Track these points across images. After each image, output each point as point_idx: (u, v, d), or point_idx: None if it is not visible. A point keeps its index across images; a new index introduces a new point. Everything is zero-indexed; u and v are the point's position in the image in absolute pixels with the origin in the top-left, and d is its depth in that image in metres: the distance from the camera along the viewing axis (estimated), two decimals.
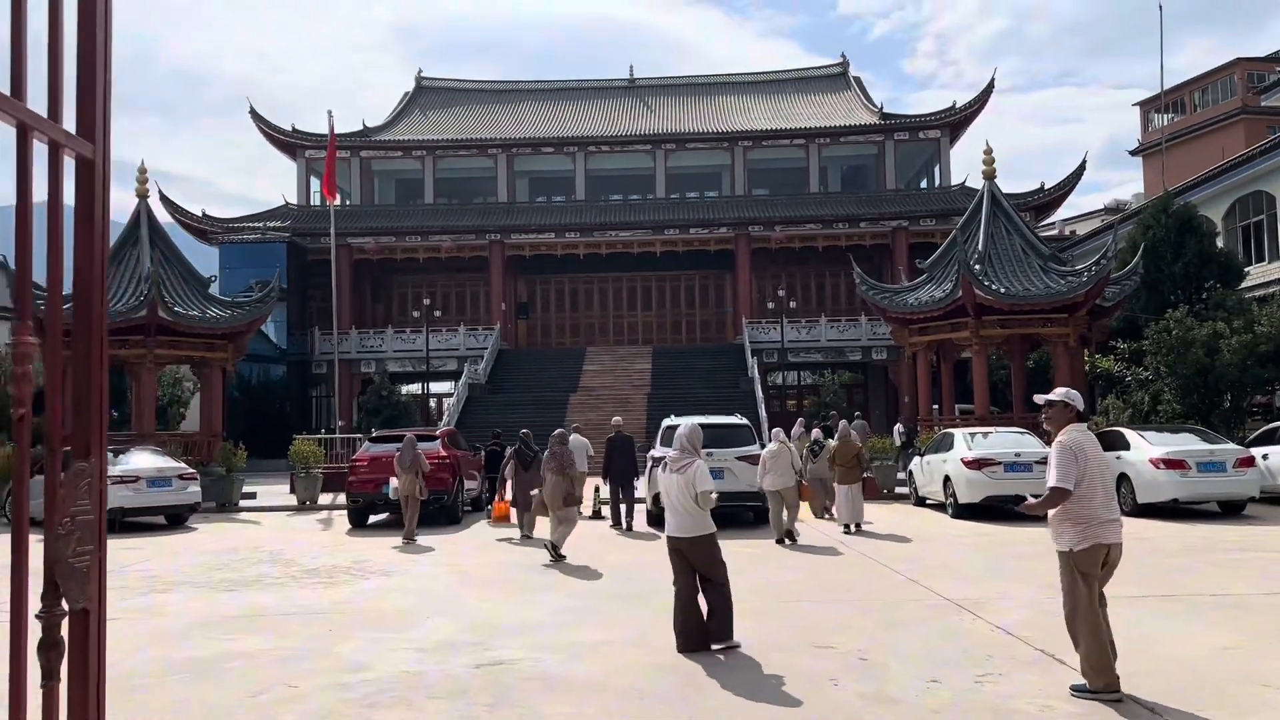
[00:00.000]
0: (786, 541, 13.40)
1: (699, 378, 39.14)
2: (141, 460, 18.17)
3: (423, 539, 15.01)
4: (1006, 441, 16.93)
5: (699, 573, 7.13)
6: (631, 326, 47.89)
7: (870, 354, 42.43)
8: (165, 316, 21.99)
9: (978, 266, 21.14)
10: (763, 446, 15.76)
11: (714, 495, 7.16)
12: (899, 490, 20.64)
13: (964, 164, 66.11)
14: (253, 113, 47.04)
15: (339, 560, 12.70)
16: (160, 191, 43.99)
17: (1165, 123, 53.31)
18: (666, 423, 16.45)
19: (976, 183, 47.18)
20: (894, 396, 43.36)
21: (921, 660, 6.63)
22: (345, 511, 18.11)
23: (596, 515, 17.71)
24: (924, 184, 49.12)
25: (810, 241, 44.25)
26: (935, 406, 24.95)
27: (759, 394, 34.76)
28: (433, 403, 45.26)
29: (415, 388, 45.46)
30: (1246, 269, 24.49)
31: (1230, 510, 15.83)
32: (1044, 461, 16.15)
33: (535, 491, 13.45)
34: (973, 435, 17.18)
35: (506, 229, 45.04)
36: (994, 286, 20.89)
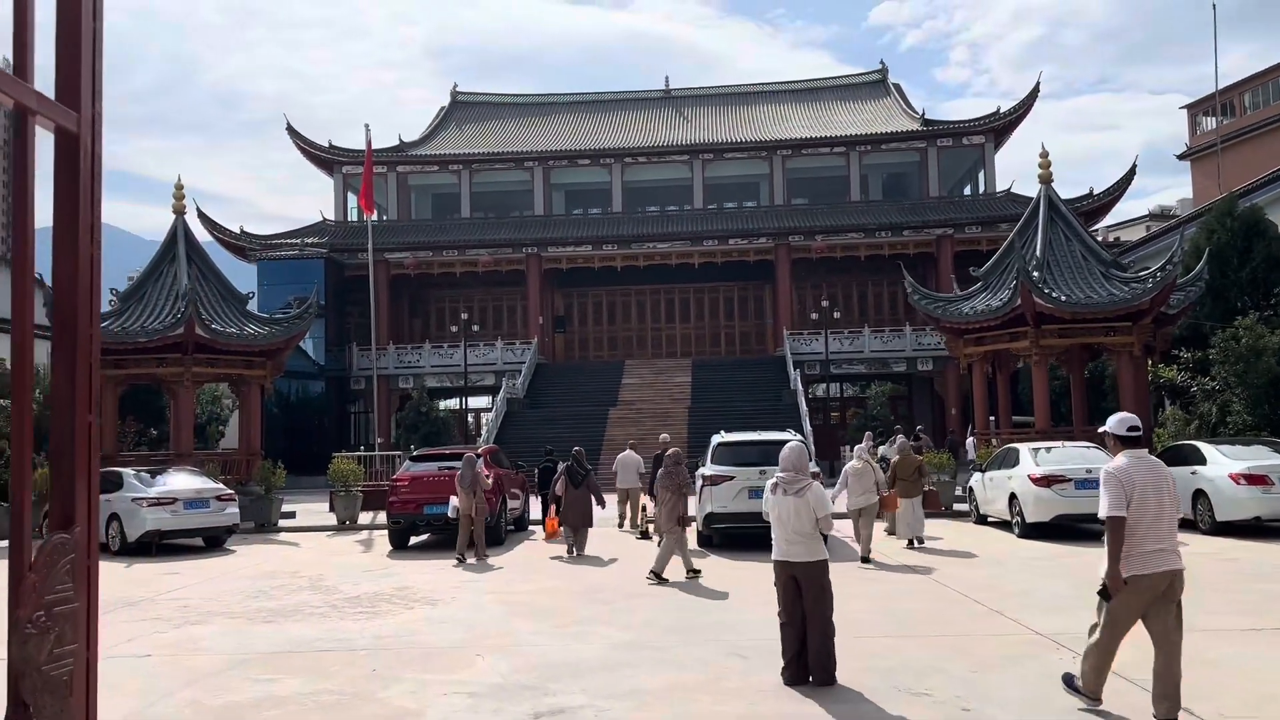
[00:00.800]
0: (860, 564, 12.84)
1: (740, 391, 38.41)
2: (179, 481, 17.83)
3: (470, 563, 14.47)
4: (1076, 456, 16.06)
5: (804, 603, 6.73)
6: (670, 339, 47.28)
7: (915, 365, 41.47)
8: (203, 334, 21.71)
9: (1036, 274, 20.30)
10: (817, 463, 15.16)
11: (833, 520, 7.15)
12: (957, 507, 19.79)
13: (1007, 171, 64.59)
14: (290, 129, 47.14)
15: (381, 587, 12.17)
16: (198, 208, 44.13)
17: (1215, 125, 52.01)
18: (717, 439, 15.83)
19: (1023, 189, 46.26)
20: (940, 408, 42.37)
21: (1030, 711, 5.93)
22: (386, 532, 17.62)
23: (645, 535, 17.10)
24: (967, 191, 48.10)
25: (852, 251, 43.42)
26: (991, 419, 24.03)
27: (803, 407, 33.97)
28: (471, 418, 44.92)
29: (454, 403, 45.16)
30: None
31: None
32: None
33: (649, 507, 14.05)
34: (1039, 450, 16.34)
35: (543, 242, 44.67)
36: (1054, 294, 20.03)
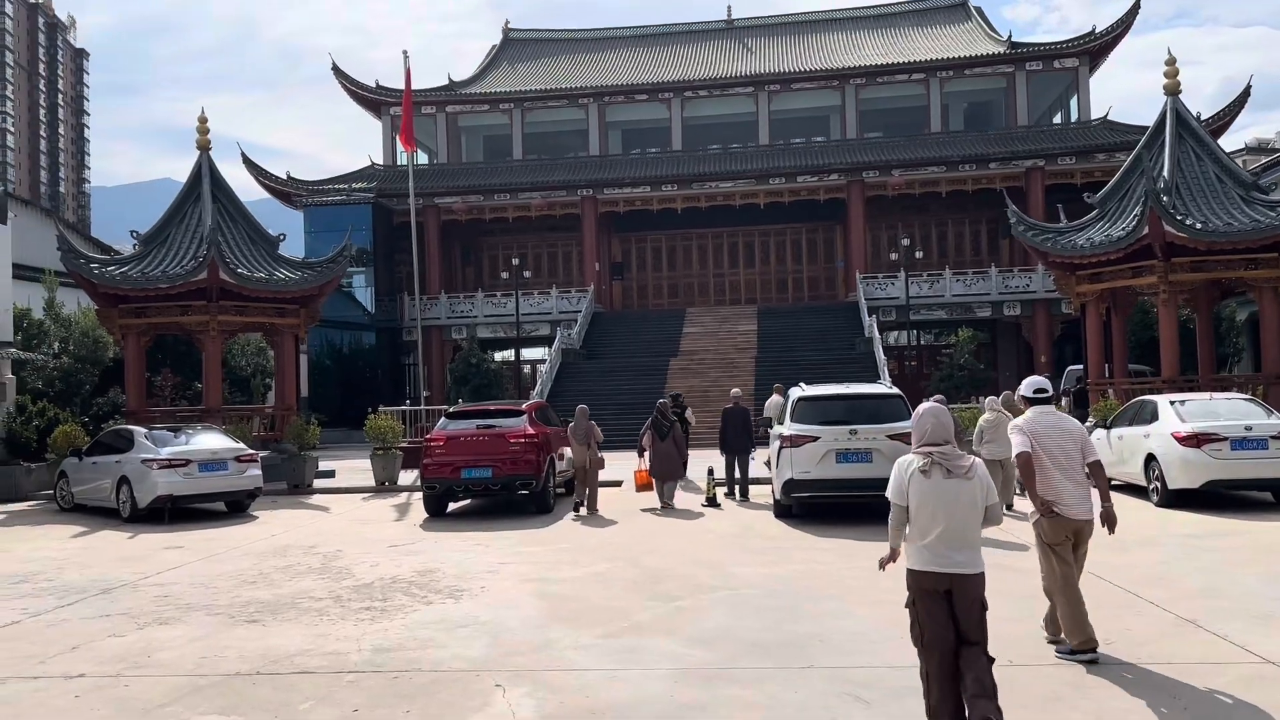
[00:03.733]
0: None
1: (810, 340, 35.87)
2: (199, 440, 16.16)
3: (507, 535, 12.50)
4: (1228, 410, 13.45)
5: (959, 630, 4.66)
6: (734, 285, 44.76)
7: (1001, 310, 38.40)
8: (228, 279, 19.94)
9: (1165, 199, 17.43)
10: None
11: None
12: None
13: (1102, 100, 59.44)
14: (335, 69, 45.21)
15: (402, 569, 10.22)
16: (242, 153, 42.60)
17: None
18: (798, 393, 13.51)
19: (1121, 116, 42.58)
20: (1027, 356, 39.30)
21: None
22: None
23: (712, 502, 14.97)
24: (1057, 120, 44.38)
25: (932, 186, 40.23)
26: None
27: (880, 356, 31.33)
28: (525, 369, 43.12)
29: (508, 354, 43.38)
30: None
31: None
32: None
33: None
34: (1182, 403, 13.74)
35: (599, 183, 42.27)
36: (1189, 221, 17.16)
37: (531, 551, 11.23)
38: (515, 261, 38.55)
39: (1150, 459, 13.44)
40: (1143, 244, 17.50)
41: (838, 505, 12.75)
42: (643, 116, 46.05)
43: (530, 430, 14.45)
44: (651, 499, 15.12)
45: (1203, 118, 37.51)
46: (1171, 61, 19.31)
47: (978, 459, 4.87)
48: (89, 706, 5.91)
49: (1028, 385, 6.64)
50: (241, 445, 16.34)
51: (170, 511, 15.15)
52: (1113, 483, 15.34)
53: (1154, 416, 13.81)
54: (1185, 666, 5.94)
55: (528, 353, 43.68)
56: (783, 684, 5.85)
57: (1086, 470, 6.33)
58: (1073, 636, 6.21)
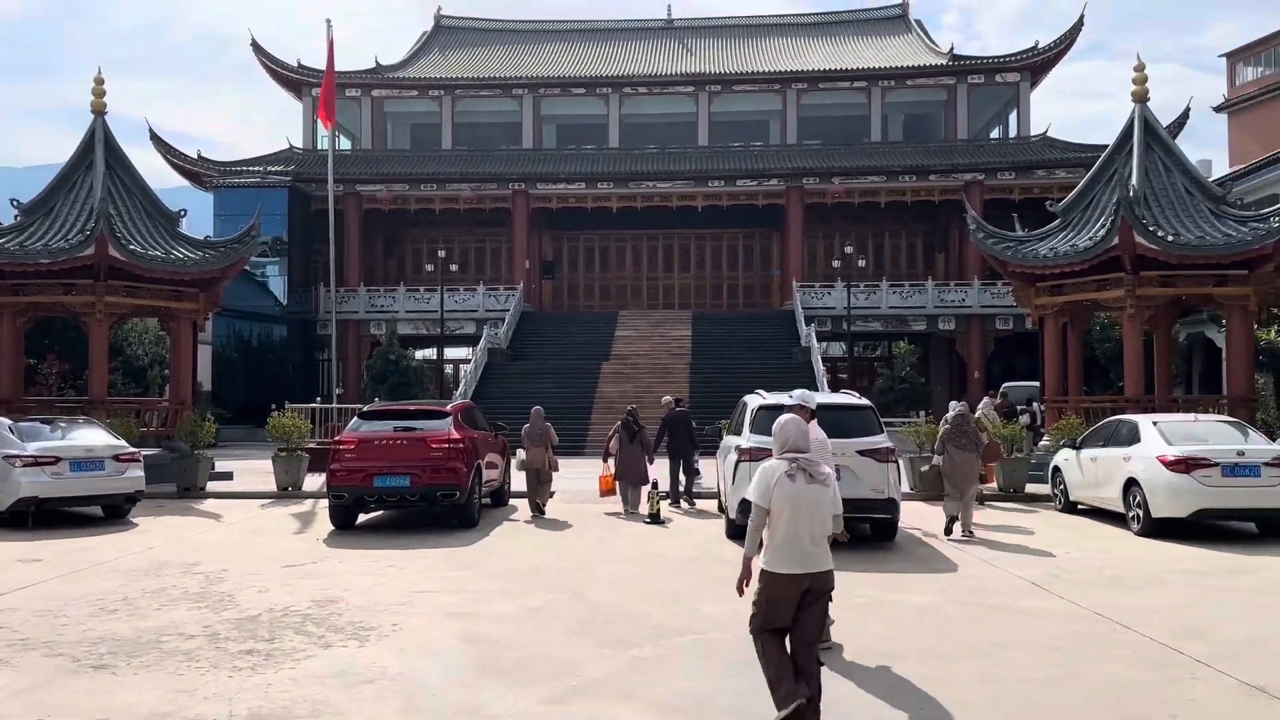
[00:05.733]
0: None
1: (746, 347, 34.77)
2: (77, 436, 14.14)
3: (426, 554, 10.88)
4: (1212, 433, 12.57)
5: (801, 627, 5.00)
6: (668, 290, 43.50)
7: (936, 324, 37.87)
8: (118, 255, 17.82)
9: (1135, 209, 16.63)
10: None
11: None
12: (1030, 489, 16.30)
13: (1042, 116, 59.37)
14: (255, 46, 42.70)
15: (296, 598, 8.55)
16: (150, 129, 39.84)
17: (1258, 75, 48.28)
18: (758, 402, 12.11)
19: (1062, 132, 42.56)
20: (960, 371, 38.91)
21: None
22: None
23: (655, 518, 13.56)
24: (996, 134, 44.27)
25: (871, 196, 39.57)
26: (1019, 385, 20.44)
27: (818, 366, 30.35)
28: (449, 369, 41.15)
29: (430, 353, 41.34)
30: None
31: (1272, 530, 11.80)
32: (1278, 464, 11.87)
33: None
34: (1165, 424, 12.80)
35: (531, 178, 40.60)
36: (1160, 233, 16.38)
37: (455, 577, 9.64)
38: (441, 255, 36.62)
39: (1131, 484, 12.43)
40: (1110, 255, 16.67)
41: None
42: (579, 111, 44.54)
43: (455, 434, 12.83)
44: (602, 507, 14.83)
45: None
46: (1140, 67, 18.63)
47: (830, 470, 5.25)
48: None
49: (798, 395, 7.05)
50: (122, 442, 14.35)
51: (35, 516, 13.12)
52: (1079, 507, 14.48)
53: (1133, 438, 12.84)
54: None
55: (451, 352, 41.72)
56: None
57: None
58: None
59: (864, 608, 7.99)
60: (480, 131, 44.54)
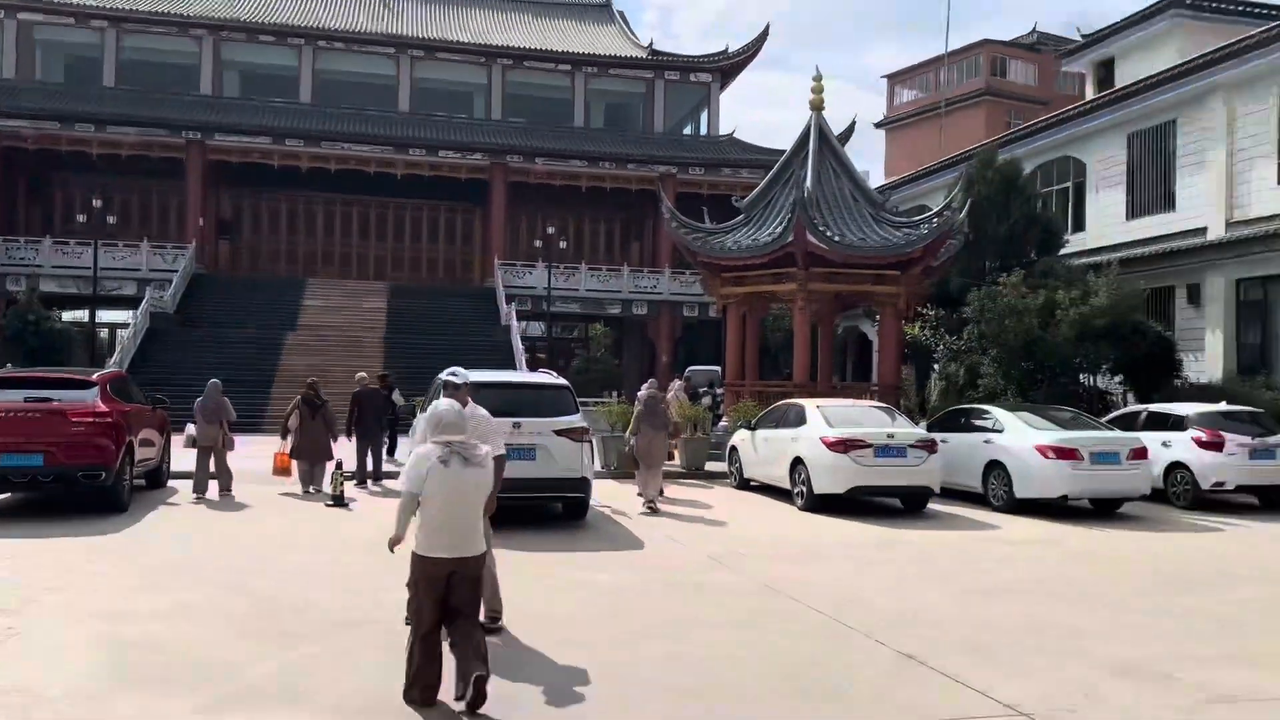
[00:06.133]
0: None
1: (444, 323, 34.03)
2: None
3: (61, 545, 9.48)
4: (866, 417, 13.82)
5: (452, 606, 5.04)
6: (362, 259, 41.61)
7: (630, 308, 39.20)
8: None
9: (809, 210, 17.97)
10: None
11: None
12: (710, 467, 17.21)
13: (729, 118, 63.14)
14: None
15: None
16: None
17: (912, 97, 54.31)
18: (445, 376, 11.71)
19: (746, 136, 45.29)
20: (650, 354, 40.56)
21: None
22: None
23: (339, 501, 12.79)
24: (688, 130, 46.40)
25: (574, 180, 40.07)
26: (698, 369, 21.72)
27: (518, 345, 30.40)
28: (104, 334, 36.75)
29: (82, 315, 36.67)
30: (1065, 237, 23.20)
31: (1105, 509, 13.64)
32: (921, 446, 13.24)
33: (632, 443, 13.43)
34: (829, 409, 13.91)
35: (209, 127, 37.09)
36: (829, 234, 17.82)
37: (96, 570, 8.46)
38: (97, 205, 32.54)
39: (797, 462, 13.40)
40: (786, 251, 17.91)
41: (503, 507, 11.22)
42: (267, 60, 41.33)
43: (102, 407, 11.33)
44: (278, 488, 13.95)
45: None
46: (818, 79, 20.13)
47: (489, 450, 5.19)
48: None
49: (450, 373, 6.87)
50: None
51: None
52: (752, 484, 15.45)
53: (800, 420, 13.84)
54: None
55: (108, 315, 37.27)
56: None
57: None
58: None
59: (554, 589, 7.92)
60: (151, 71, 40.09)
